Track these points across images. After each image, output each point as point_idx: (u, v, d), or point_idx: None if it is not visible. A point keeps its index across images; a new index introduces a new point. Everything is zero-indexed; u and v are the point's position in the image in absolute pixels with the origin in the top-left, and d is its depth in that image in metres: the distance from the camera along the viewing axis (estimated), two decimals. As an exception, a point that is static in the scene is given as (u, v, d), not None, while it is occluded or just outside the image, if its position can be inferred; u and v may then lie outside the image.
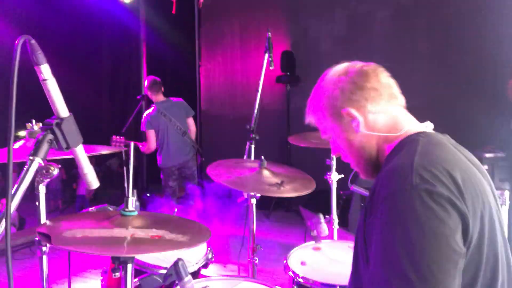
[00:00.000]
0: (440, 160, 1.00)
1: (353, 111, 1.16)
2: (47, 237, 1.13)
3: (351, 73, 1.19)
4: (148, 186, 7.10)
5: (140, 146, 4.74)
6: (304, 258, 2.14)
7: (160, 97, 4.80)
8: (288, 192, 2.00)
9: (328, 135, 1.27)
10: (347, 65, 1.23)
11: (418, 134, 1.13)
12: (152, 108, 4.71)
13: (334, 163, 2.81)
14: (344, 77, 1.19)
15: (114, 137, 4.56)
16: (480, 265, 0.97)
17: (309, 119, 1.30)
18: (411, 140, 1.10)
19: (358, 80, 1.17)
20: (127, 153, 1.45)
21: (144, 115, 4.71)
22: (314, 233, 2.17)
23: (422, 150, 1.03)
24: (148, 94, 4.82)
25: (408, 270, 0.87)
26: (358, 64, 1.22)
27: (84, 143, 1.14)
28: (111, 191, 6.37)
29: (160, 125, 4.69)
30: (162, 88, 4.82)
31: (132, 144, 1.29)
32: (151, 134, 4.65)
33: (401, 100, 1.21)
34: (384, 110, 1.17)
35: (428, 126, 1.20)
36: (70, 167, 6.93)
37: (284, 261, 2.10)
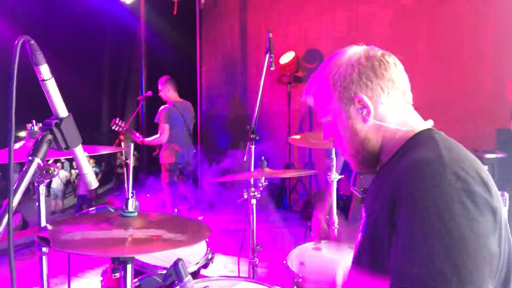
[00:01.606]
0: (464, 157, 0.98)
1: (366, 99, 1.10)
2: (46, 241, 1.13)
3: (372, 58, 1.12)
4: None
5: (139, 136, 4.77)
6: (304, 258, 2.14)
7: (176, 96, 4.91)
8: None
9: (327, 118, 1.19)
10: (367, 48, 1.16)
11: (429, 130, 1.11)
12: (168, 104, 4.78)
13: (334, 163, 2.81)
14: (364, 61, 1.11)
15: (116, 119, 4.66)
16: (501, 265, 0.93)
17: (308, 97, 1.22)
18: (427, 136, 1.07)
19: (378, 68, 1.11)
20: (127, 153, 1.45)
21: (162, 107, 4.76)
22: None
23: (445, 146, 1.00)
24: (164, 89, 4.85)
25: (446, 266, 0.82)
26: (379, 51, 1.15)
27: (83, 143, 1.14)
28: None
29: (175, 121, 4.76)
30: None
31: (132, 145, 1.28)
32: (166, 127, 4.70)
33: (411, 97, 1.17)
34: (396, 104, 1.13)
35: (429, 123, 1.18)
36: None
37: (284, 261, 2.10)
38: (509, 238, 0.98)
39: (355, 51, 1.15)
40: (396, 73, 1.12)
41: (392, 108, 1.12)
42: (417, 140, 1.08)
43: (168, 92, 4.85)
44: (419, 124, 1.14)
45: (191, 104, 5.13)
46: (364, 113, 1.11)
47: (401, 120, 1.13)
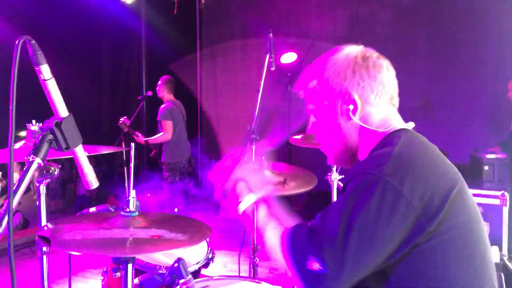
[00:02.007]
0: (415, 160, 1.01)
1: (356, 97, 1.13)
2: (47, 240, 1.13)
3: (368, 59, 1.15)
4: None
5: (140, 136, 4.80)
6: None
7: (172, 96, 4.96)
8: (293, 189, 1.99)
9: (313, 109, 1.22)
10: (364, 49, 1.19)
11: (402, 130, 1.14)
12: (168, 102, 4.82)
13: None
14: (361, 61, 1.15)
15: (124, 119, 4.77)
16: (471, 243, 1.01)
17: (300, 87, 1.25)
18: (396, 136, 1.11)
19: (372, 69, 1.14)
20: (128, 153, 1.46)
21: (162, 106, 4.81)
22: None
23: (402, 145, 1.04)
24: (161, 90, 4.92)
25: (340, 233, 0.94)
26: (375, 53, 1.18)
27: (84, 143, 1.14)
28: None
29: (177, 119, 4.82)
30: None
31: (133, 145, 1.29)
32: (170, 125, 4.73)
33: (397, 102, 1.20)
34: (382, 106, 1.16)
35: (410, 125, 1.20)
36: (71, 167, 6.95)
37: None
38: (476, 230, 1.04)
39: (352, 49, 1.19)
40: (387, 77, 1.16)
41: (377, 109, 1.16)
42: (388, 139, 1.12)
43: (163, 92, 4.91)
44: (398, 125, 1.16)
45: (192, 104, 5.19)
46: (351, 109, 1.14)
47: (383, 122, 1.16)
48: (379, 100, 1.15)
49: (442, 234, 0.97)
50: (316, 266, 0.95)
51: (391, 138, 1.11)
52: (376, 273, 0.98)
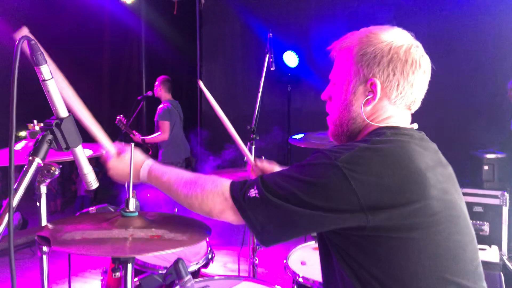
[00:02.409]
0: (383, 159, 1.00)
1: (379, 87, 1.09)
2: (47, 240, 1.13)
3: (410, 54, 1.09)
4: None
5: (138, 135, 4.81)
6: (304, 258, 2.15)
7: (170, 96, 5.00)
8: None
9: (335, 76, 1.18)
10: (413, 42, 1.13)
11: (392, 127, 1.10)
12: (165, 103, 4.84)
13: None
14: (402, 53, 1.08)
15: (121, 117, 4.81)
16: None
17: (335, 46, 1.18)
18: (383, 130, 1.09)
19: (410, 66, 1.09)
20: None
21: (160, 106, 4.82)
22: None
23: (375, 142, 1.02)
24: (158, 90, 4.96)
25: (291, 190, 1.01)
26: (421, 51, 1.12)
27: (84, 143, 1.14)
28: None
29: (174, 119, 4.83)
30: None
31: (132, 145, 1.29)
32: (167, 125, 4.76)
33: (415, 108, 1.17)
34: (398, 107, 1.13)
35: (414, 127, 1.17)
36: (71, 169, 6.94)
37: (284, 261, 2.10)
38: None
39: (402, 37, 1.12)
40: (420, 80, 1.11)
41: (393, 107, 1.12)
42: (374, 132, 1.10)
43: (160, 91, 4.95)
44: (401, 123, 1.14)
45: (192, 104, 5.20)
46: (368, 98, 1.10)
47: (389, 117, 1.13)
48: (400, 100, 1.11)
49: (401, 231, 0.97)
50: (253, 192, 1.05)
51: (377, 132, 1.09)
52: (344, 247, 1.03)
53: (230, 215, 1.11)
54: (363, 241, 0.99)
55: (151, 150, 5.00)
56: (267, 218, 1.04)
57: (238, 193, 1.08)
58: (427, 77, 1.14)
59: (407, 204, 0.97)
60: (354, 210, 0.96)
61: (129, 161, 1.27)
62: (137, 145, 4.96)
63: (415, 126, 1.18)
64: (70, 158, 1.26)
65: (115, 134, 5.05)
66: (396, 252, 0.98)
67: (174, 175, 1.24)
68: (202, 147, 7.05)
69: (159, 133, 4.78)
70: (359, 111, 1.12)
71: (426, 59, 1.13)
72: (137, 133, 4.86)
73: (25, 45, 0.97)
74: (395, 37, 1.10)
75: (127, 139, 4.80)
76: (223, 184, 1.14)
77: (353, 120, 1.14)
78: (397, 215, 0.96)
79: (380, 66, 1.08)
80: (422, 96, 1.16)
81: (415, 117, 1.22)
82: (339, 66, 1.16)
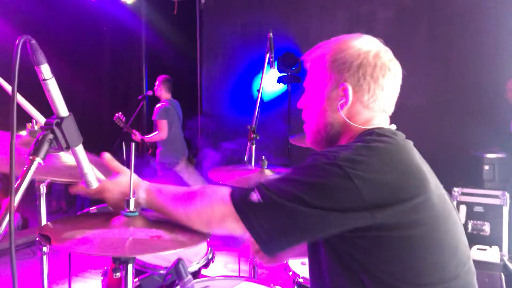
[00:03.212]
0: (379, 152, 1.02)
1: (350, 92, 1.12)
2: (47, 239, 1.13)
3: (379, 59, 1.13)
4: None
5: (138, 134, 4.81)
6: (304, 259, 2.14)
7: (170, 95, 5.02)
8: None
9: (309, 84, 1.22)
10: (382, 48, 1.16)
11: (378, 128, 1.12)
12: (164, 102, 4.84)
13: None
14: (371, 58, 1.12)
15: (119, 114, 4.81)
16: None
17: (308, 56, 1.23)
18: (369, 132, 1.11)
19: (378, 70, 1.12)
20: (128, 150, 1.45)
21: (158, 105, 4.82)
22: None
23: (359, 146, 1.03)
24: (158, 90, 4.95)
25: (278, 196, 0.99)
26: (389, 55, 1.16)
27: (84, 143, 1.14)
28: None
29: (172, 118, 4.84)
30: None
31: (133, 144, 1.28)
32: (165, 124, 4.75)
33: (391, 110, 1.19)
34: (373, 110, 1.15)
35: (392, 127, 1.19)
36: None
37: (285, 261, 2.10)
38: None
39: (370, 43, 1.16)
40: (391, 83, 1.14)
41: (367, 111, 1.14)
42: (362, 135, 1.12)
43: (161, 91, 4.95)
44: (381, 125, 1.16)
45: (192, 104, 5.21)
46: (341, 102, 1.13)
47: (367, 121, 1.15)
48: (373, 104, 1.13)
49: (400, 229, 0.98)
50: (255, 196, 1.02)
51: (365, 133, 1.11)
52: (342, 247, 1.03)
53: (231, 223, 1.06)
54: (369, 242, 0.99)
55: (151, 150, 5.00)
56: (271, 224, 1.00)
57: (238, 199, 1.05)
58: (398, 80, 1.17)
59: (410, 199, 0.98)
60: (359, 208, 0.96)
61: (124, 183, 1.23)
62: (137, 144, 4.99)
63: (394, 127, 1.19)
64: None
65: (115, 134, 5.05)
66: (401, 251, 0.98)
67: (170, 192, 1.21)
68: (202, 146, 7.05)
69: (157, 132, 4.78)
70: (334, 116, 1.15)
71: (396, 63, 1.16)
72: (137, 132, 4.86)
73: (25, 45, 0.96)
74: (363, 43, 1.15)
75: (127, 139, 4.80)
76: (222, 191, 1.11)
77: (330, 125, 1.17)
78: (400, 211, 0.97)
79: (350, 71, 1.12)
80: (395, 99, 1.18)
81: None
82: (312, 74, 1.21)
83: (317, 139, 1.21)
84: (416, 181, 1.01)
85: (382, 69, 1.12)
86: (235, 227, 1.05)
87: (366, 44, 1.15)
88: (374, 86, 1.12)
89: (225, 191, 1.10)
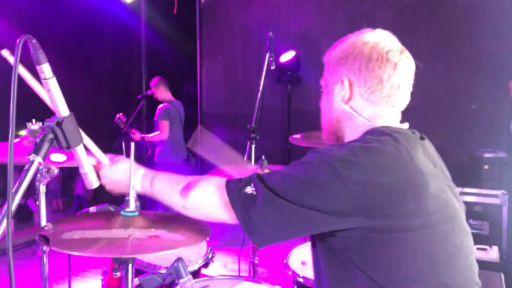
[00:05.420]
0: (373, 159, 1.00)
1: (347, 85, 1.13)
2: (46, 240, 1.13)
3: (375, 50, 1.12)
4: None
5: (137, 133, 4.81)
6: (304, 258, 2.14)
7: (170, 95, 4.98)
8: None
9: (323, 82, 1.25)
10: (382, 40, 1.15)
11: (383, 127, 1.11)
12: (166, 103, 4.84)
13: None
14: (367, 50, 1.12)
15: (120, 115, 4.79)
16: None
17: (325, 55, 1.25)
18: (373, 131, 1.10)
19: (374, 62, 1.11)
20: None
21: (160, 106, 4.81)
22: None
23: (361, 143, 1.03)
24: (157, 90, 4.92)
25: (276, 190, 1.00)
26: (388, 46, 1.14)
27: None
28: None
29: (173, 119, 4.83)
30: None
31: (133, 144, 1.28)
32: (166, 124, 4.76)
33: (397, 103, 1.16)
34: (373, 102, 1.13)
35: (404, 126, 1.18)
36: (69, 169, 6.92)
37: (285, 261, 2.10)
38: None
39: (372, 37, 1.16)
40: (390, 74, 1.11)
41: (369, 104, 1.13)
42: (365, 134, 1.11)
43: (162, 93, 4.92)
44: (391, 123, 1.14)
45: (192, 104, 5.20)
46: (341, 95, 1.15)
47: (371, 118, 1.14)
48: (372, 96, 1.12)
49: (393, 232, 0.97)
50: (249, 188, 1.03)
51: (369, 131, 1.10)
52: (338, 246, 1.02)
53: (223, 212, 1.08)
54: (358, 243, 0.98)
55: (150, 151, 5.00)
56: (261, 217, 1.01)
57: (233, 189, 1.07)
58: (403, 72, 1.14)
59: (400, 204, 0.96)
60: (348, 209, 0.95)
61: (121, 170, 1.24)
62: (137, 143, 4.98)
63: (406, 125, 1.18)
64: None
65: (115, 133, 5.04)
66: (391, 254, 0.97)
67: (167, 179, 1.23)
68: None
69: (158, 132, 4.79)
70: (339, 111, 1.17)
71: (396, 53, 1.14)
72: (136, 131, 4.86)
73: (26, 44, 0.96)
74: (362, 38, 1.16)
75: (127, 138, 4.80)
76: (219, 180, 1.12)
77: (336, 119, 1.19)
78: (389, 215, 0.96)
79: (347, 64, 1.14)
80: (403, 93, 1.15)
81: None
82: (324, 72, 1.24)
83: (328, 133, 1.24)
84: (410, 186, 0.98)
85: (378, 60, 1.11)
86: (227, 216, 1.08)
87: (364, 38, 1.16)
88: (370, 77, 1.11)
89: (221, 181, 1.12)
